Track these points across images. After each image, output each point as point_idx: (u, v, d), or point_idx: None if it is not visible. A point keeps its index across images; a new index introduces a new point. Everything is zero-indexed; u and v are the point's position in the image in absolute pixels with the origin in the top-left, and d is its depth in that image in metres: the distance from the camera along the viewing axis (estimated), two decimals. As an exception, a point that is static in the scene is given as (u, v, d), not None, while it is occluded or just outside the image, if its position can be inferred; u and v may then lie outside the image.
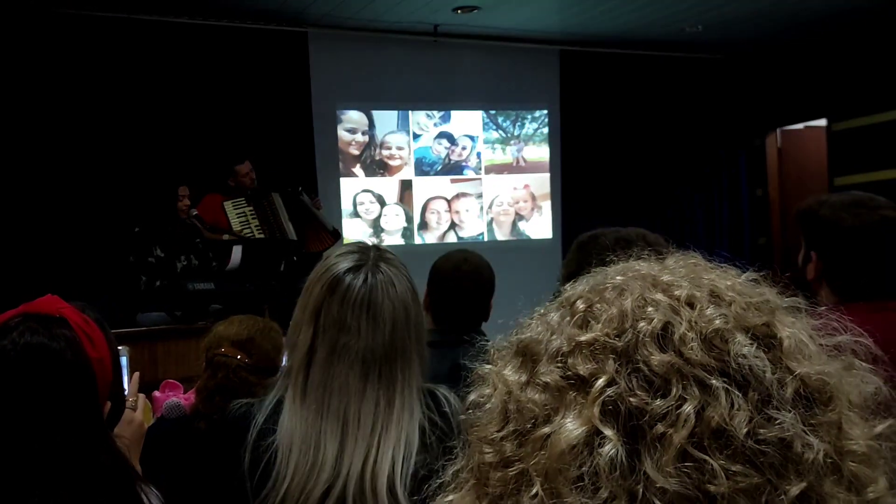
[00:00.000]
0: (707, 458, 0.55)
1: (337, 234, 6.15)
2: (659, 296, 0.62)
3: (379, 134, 7.42)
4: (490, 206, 7.79)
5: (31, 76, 5.92)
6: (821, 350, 0.63)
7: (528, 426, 0.60)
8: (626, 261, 0.71)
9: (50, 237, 5.88)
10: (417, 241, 7.51)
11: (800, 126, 8.41)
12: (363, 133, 7.38)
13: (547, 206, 7.96)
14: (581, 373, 0.60)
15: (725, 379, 0.57)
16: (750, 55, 8.15)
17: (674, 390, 0.57)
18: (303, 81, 6.90)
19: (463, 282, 2.55)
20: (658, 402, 0.57)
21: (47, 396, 1.28)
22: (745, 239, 8.42)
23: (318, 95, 6.98)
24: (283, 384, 1.56)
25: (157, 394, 2.66)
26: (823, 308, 0.68)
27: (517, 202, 7.89)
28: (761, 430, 0.56)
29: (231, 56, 6.55)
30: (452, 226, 7.65)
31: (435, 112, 7.58)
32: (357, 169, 7.36)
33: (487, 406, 0.65)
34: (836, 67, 7.58)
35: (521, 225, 7.92)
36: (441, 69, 7.43)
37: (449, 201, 7.64)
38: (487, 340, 0.72)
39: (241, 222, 5.75)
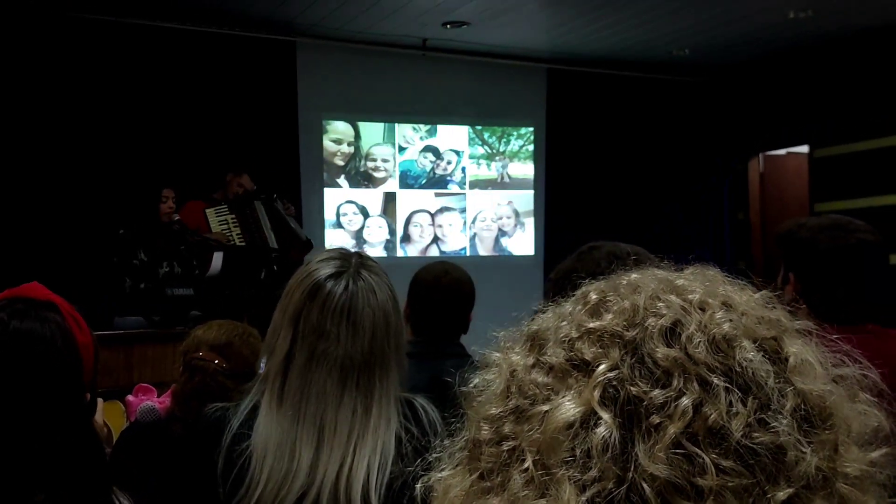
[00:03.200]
0: (700, 451, 0.56)
1: (309, 246, 6.10)
2: (672, 297, 0.64)
3: (364, 145, 7.42)
4: (473, 222, 7.81)
5: (18, 78, 5.89)
6: (827, 375, 0.63)
7: (528, 404, 0.61)
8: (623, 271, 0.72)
9: (35, 238, 5.84)
10: (400, 253, 7.51)
11: (782, 152, 8.49)
12: (349, 144, 7.38)
13: (530, 222, 7.99)
14: (586, 356, 0.61)
15: (727, 380, 0.58)
16: (734, 80, 8.23)
17: (674, 383, 0.58)
18: (290, 91, 6.90)
19: (443, 293, 2.55)
20: (657, 391, 0.58)
21: (36, 382, 1.26)
22: (726, 262, 8.47)
23: (304, 105, 6.98)
24: (260, 389, 1.55)
25: (130, 397, 2.63)
26: (836, 336, 0.68)
27: (500, 218, 7.91)
28: (756, 434, 0.56)
29: (219, 63, 6.55)
30: (435, 239, 7.65)
31: (421, 125, 7.60)
32: (341, 180, 7.36)
33: (490, 388, 0.66)
34: (820, 95, 7.66)
35: (504, 241, 7.93)
36: (428, 83, 7.45)
37: (432, 215, 7.65)
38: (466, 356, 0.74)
39: (222, 229, 5.72)
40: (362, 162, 7.42)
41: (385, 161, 7.50)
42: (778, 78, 7.92)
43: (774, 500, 0.55)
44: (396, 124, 7.51)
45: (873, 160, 7.21)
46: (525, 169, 8.00)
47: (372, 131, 7.46)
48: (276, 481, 1.45)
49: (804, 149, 8.02)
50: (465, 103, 7.64)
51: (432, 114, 7.57)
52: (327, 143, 7.30)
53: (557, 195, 7.95)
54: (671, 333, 0.61)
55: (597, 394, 0.58)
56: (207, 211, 5.76)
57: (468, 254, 7.71)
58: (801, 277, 2.04)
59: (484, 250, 7.84)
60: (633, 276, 0.68)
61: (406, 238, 7.56)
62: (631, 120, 8.12)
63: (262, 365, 1.58)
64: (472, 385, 0.69)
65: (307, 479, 1.45)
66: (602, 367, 0.60)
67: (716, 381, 0.58)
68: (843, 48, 7.14)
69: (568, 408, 0.59)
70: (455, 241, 7.73)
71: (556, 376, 0.61)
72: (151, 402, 2.43)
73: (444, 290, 2.56)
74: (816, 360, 0.63)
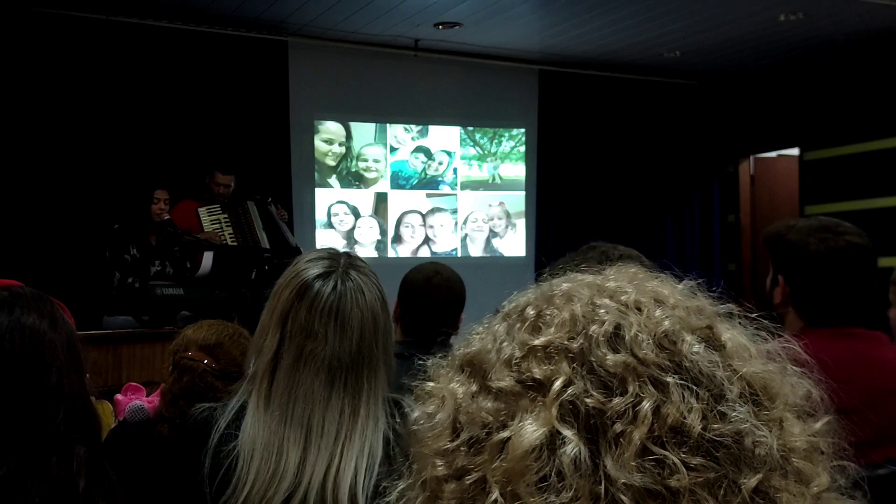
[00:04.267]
0: (667, 453, 0.56)
1: (298, 253, 6.07)
2: (607, 301, 0.63)
3: (356, 146, 7.42)
4: (464, 222, 7.81)
5: (11, 76, 5.86)
6: (760, 353, 0.65)
7: (484, 434, 0.60)
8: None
9: (26, 238, 5.82)
10: (391, 254, 7.51)
11: (773, 154, 8.52)
12: (340, 144, 7.38)
13: (521, 223, 7.99)
14: (537, 376, 0.60)
15: (679, 377, 0.58)
16: (725, 82, 8.26)
17: (630, 389, 0.58)
18: (281, 90, 6.88)
19: (434, 294, 2.55)
20: (616, 400, 0.57)
21: (58, 347, 1.26)
22: (716, 264, 8.50)
23: (296, 105, 6.97)
24: (247, 389, 1.54)
25: (119, 397, 2.62)
26: (756, 314, 0.69)
27: (491, 219, 7.92)
28: (716, 426, 0.57)
29: (210, 62, 6.53)
30: (426, 240, 7.65)
31: (413, 126, 7.60)
32: (333, 180, 7.35)
33: (435, 421, 0.64)
34: (810, 98, 7.70)
35: (495, 242, 7.94)
36: (420, 84, 7.45)
37: (423, 216, 7.65)
38: (425, 359, 0.71)
39: (214, 229, 5.71)
40: (354, 162, 7.42)
41: (376, 161, 7.49)
42: (769, 80, 7.95)
43: (746, 487, 0.56)
44: (388, 125, 7.51)
45: (863, 163, 7.24)
46: (516, 170, 8.00)
47: (363, 132, 7.46)
48: (263, 482, 1.45)
49: (794, 151, 8.05)
50: (457, 104, 7.65)
51: (424, 114, 7.57)
52: (319, 144, 7.29)
53: (549, 196, 7.96)
54: (616, 338, 0.60)
55: (556, 412, 0.57)
56: (200, 210, 5.73)
57: (459, 255, 7.71)
58: (790, 280, 2.05)
59: (475, 251, 7.84)
60: (564, 285, 0.67)
61: (397, 238, 7.55)
62: (622, 122, 8.14)
63: (252, 364, 1.58)
64: (413, 420, 0.67)
65: (294, 480, 1.45)
66: (556, 384, 0.58)
67: (669, 379, 0.58)
68: (833, 51, 7.17)
69: (530, 431, 0.57)
70: (446, 242, 7.73)
71: (508, 400, 0.60)
72: (140, 401, 2.43)
73: (435, 290, 2.56)
74: (747, 340, 0.65)
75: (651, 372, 0.58)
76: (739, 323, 0.67)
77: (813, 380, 0.67)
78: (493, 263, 7.75)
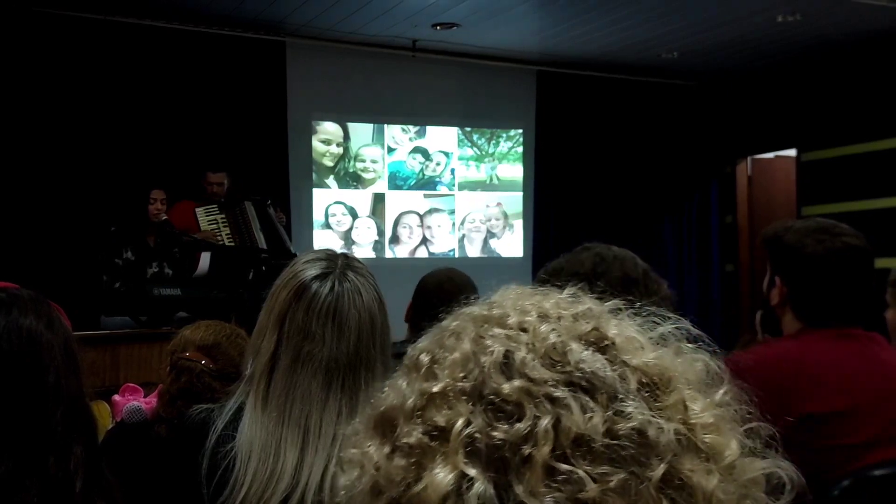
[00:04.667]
0: (572, 467, 0.56)
1: (293, 256, 6.06)
2: (495, 329, 0.64)
3: (353, 146, 7.42)
4: (462, 223, 7.81)
5: (9, 75, 5.85)
6: (650, 342, 0.66)
7: (402, 490, 0.60)
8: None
9: (21, 238, 5.82)
10: (388, 254, 7.51)
11: (770, 155, 8.53)
12: (338, 145, 7.38)
13: (519, 224, 8.00)
14: (440, 423, 0.60)
15: (571, 388, 0.59)
16: (723, 83, 8.26)
17: (528, 412, 0.58)
18: (279, 91, 6.88)
19: (445, 300, 2.56)
20: (517, 426, 0.58)
21: (55, 347, 1.26)
22: (714, 265, 8.51)
23: (293, 105, 6.97)
24: (245, 390, 1.54)
25: (116, 397, 2.62)
26: (640, 304, 0.71)
27: (489, 220, 7.92)
28: (617, 427, 0.58)
29: (208, 62, 6.53)
30: (424, 241, 7.65)
31: (410, 127, 7.60)
32: (330, 180, 7.35)
33: (358, 489, 0.63)
34: (808, 99, 7.71)
35: (493, 243, 7.94)
36: (418, 84, 7.45)
37: (421, 216, 7.65)
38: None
39: (211, 229, 5.71)
40: (351, 163, 7.42)
41: (374, 162, 7.49)
42: (766, 81, 7.96)
43: (653, 479, 0.57)
44: (386, 125, 7.51)
45: (860, 164, 7.25)
46: (514, 171, 8.01)
47: (361, 132, 7.46)
48: (261, 482, 1.44)
49: (792, 152, 8.06)
50: (455, 105, 7.65)
51: (422, 115, 7.57)
52: (316, 144, 7.29)
53: (546, 197, 7.96)
54: (507, 366, 0.61)
55: (460, 455, 0.58)
56: (197, 210, 5.74)
57: (457, 255, 7.71)
58: (788, 281, 2.05)
59: (473, 252, 7.84)
60: (452, 323, 0.68)
61: (395, 239, 7.55)
62: (620, 122, 8.14)
63: (250, 366, 1.58)
64: (339, 493, 0.66)
65: (291, 482, 1.45)
66: (457, 426, 0.59)
67: (561, 393, 0.59)
68: (831, 52, 7.18)
69: (440, 479, 0.57)
70: (444, 243, 7.73)
71: (419, 454, 0.60)
72: (138, 402, 2.43)
73: (446, 296, 2.58)
74: (636, 332, 0.66)
75: (544, 390, 0.59)
76: (628, 316, 0.69)
77: (708, 351, 0.69)
78: (491, 264, 7.76)
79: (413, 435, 0.61)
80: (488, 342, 0.63)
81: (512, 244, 7.98)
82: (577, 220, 7.88)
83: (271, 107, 6.84)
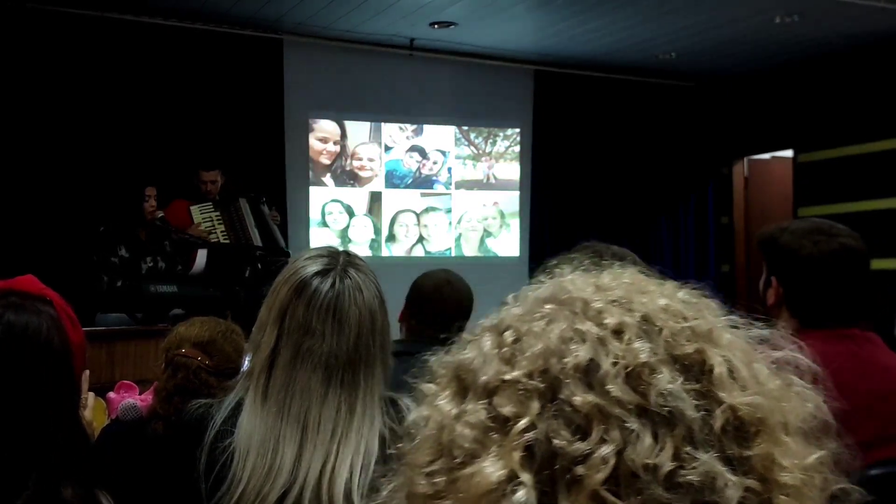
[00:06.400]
0: (619, 502, 0.54)
1: (285, 254, 6.05)
2: (588, 325, 0.61)
3: (350, 144, 7.41)
4: (459, 222, 7.81)
5: (3, 72, 5.83)
6: (757, 373, 0.62)
7: (457, 463, 0.59)
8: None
9: (16, 236, 5.80)
10: (385, 253, 7.50)
11: (766, 156, 8.54)
12: (335, 143, 7.37)
13: (515, 223, 8.00)
14: (504, 413, 0.59)
15: (646, 419, 0.56)
16: (720, 84, 8.27)
17: (594, 432, 0.56)
18: (276, 88, 6.87)
19: (444, 303, 2.55)
20: (578, 444, 0.56)
21: (29, 375, 1.24)
22: (710, 265, 8.52)
23: (290, 103, 6.97)
24: (244, 385, 1.55)
25: (111, 395, 2.62)
26: (761, 323, 0.67)
27: (486, 219, 7.92)
28: (681, 472, 0.55)
29: (204, 60, 6.52)
30: (420, 239, 7.65)
31: (407, 125, 7.60)
32: (327, 178, 7.34)
33: (423, 433, 0.64)
34: (804, 100, 7.72)
35: (489, 242, 7.94)
36: (415, 83, 7.44)
37: (418, 215, 7.65)
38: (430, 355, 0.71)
39: (206, 227, 5.70)
40: (348, 161, 7.41)
41: (371, 160, 7.49)
42: (763, 82, 7.97)
43: None
44: (383, 124, 7.50)
45: (857, 165, 7.26)
46: (511, 170, 8.01)
47: (358, 130, 7.45)
48: (259, 478, 1.45)
49: (789, 153, 8.07)
50: (452, 103, 7.65)
51: (419, 114, 7.57)
52: (313, 142, 7.28)
53: (543, 197, 7.97)
54: (587, 374, 0.58)
55: (516, 455, 0.56)
56: (192, 208, 5.73)
57: (453, 254, 7.71)
58: (784, 282, 2.05)
59: (469, 251, 7.85)
60: (548, 306, 0.64)
61: (391, 238, 7.55)
62: (617, 122, 8.14)
63: (247, 361, 1.58)
64: (408, 422, 0.67)
65: (290, 477, 1.45)
66: (520, 425, 0.57)
67: (634, 423, 0.56)
68: (828, 54, 7.19)
69: (489, 472, 0.56)
70: (440, 242, 7.73)
71: (479, 433, 0.59)
72: (133, 399, 2.42)
73: (446, 301, 2.56)
74: (745, 360, 0.62)
75: (618, 412, 0.56)
76: (743, 333, 0.64)
77: (821, 392, 0.64)
78: (488, 263, 7.75)
79: (478, 415, 0.60)
80: (574, 345, 0.60)
81: (508, 243, 7.98)
82: (573, 219, 7.89)
83: (268, 104, 6.83)
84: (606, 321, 0.61)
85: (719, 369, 0.59)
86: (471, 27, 6.68)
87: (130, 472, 2.06)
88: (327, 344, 1.50)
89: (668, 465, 0.55)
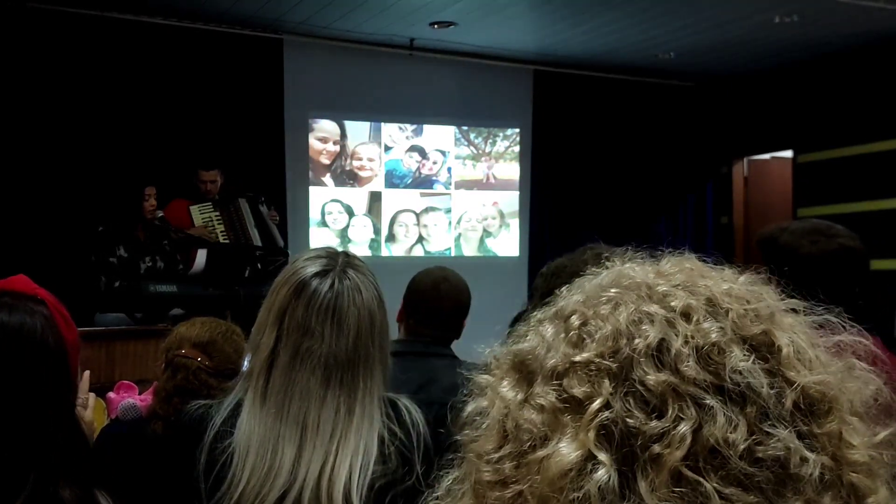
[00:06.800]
0: (702, 479, 0.54)
1: (284, 253, 6.05)
2: (654, 308, 0.61)
3: (350, 144, 7.41)
4: (458, 222, 7.81)
5: (4, 71, 5.83)
6: (820, 354, 0.62)
7: (526, 447, 0.59)
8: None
9: (15, 235, 5.80)
10: (385, 253, 7.50)
11: (766, 156, 8.54)
12: (334, 143, 7.37)
13: (515, 223, 8.00)
14: (576, 395, 0.58)
15: (721, 397, 0.56)
16: (720, 84, 8.28)
17: (670, 410, 0.56)
18: (276, 88, 6.88)
19: (441, 301, 2.54)
20: (654, 423, 0.56)
21: (24, 375, 1.24)
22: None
23: (290, 103, 6.97)
24: (244, 386, 1.55)
25: (111, 395, 2.61)
26: (822, 307, 0.67)
27: (485, 219, 7.92)
28: (759, 448, 0.55)
29: (205, 59, 6.52)
30: (420, 239, 7.65)
31: (407, 125, 7.60)
32: (327, 178, 7.34)
33: (486, 422, 0.63)
34: (804, 100, 7.72)
35: (489, 242, 7.94)
36: (415, 83, 7.44)
37: (417, 215, 7.65)
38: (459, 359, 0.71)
39: (206, 227, 5.70)
40: (348, 161, 7.41)
41: (371, 160, 7.49)
42: (763, 82, 7.97)
43: None
44: (382, 123, 7.51)
45: (856, 166, 7.26)
46: (511, 170, 8.01)
47: (358, 130, 7.45)
48: (258, 479, 1.45)
49: (788, 153, 8.07)
50: (452, 103, 7.65)
51: (418, 113, 7.57)
52: (313, 142, 7.28)
53: (543, 197, 7.97)
54: (659, 353, 0.58)
55: (592, 435, 0.56)
56: (192, 208, 5.73)
57: (453, 254, 7.71)
58: (782, 282, 2.05)
59: (469, 251, 7.85)
60: (612, 290, 0.64)
61: (391, 238, 7.55)
62: (617, 122, 8.15)
63: (247, 362, 1.58)
64: (465, 413, 0.66)
65: (289, 478, 1.45)
66: (594, 405, 0.57)
67: (710, 401, 0.56)
68: (828, 54, 7.19)
69: (564, 453, 0.56)
70: (440, 242, 7.73)
71: (550, 416, 0.59)
72: (133, 399, 2.42)
73: (444, 298, 2.55)
74: (808, 341, 0.62)
75: (692, 391, 0.56)
76: (805, 318, 0.65)
77: (883, 378, 0.64)
78: (487, 263, 7.76)
79: (547, 397, 0.59)
80: (644, 325, 0.60)
81: (508, 243, 7.99)
82: (573, 219, 7.89)
83: (268, 104, 6.83)
84: (673, 303, 0.61)
85: (787, 349, 0.60)
86: (471, 27, 6.68)
87: (130, 472, 2.06)
88: (326, 344, 1.50)
89: (745, 442, 0.55)
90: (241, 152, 6.54)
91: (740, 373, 0.57)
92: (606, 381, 0.58)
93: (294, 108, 7.01)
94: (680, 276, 0.65)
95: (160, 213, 5.40)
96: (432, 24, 6.64)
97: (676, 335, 0.59)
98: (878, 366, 0.65)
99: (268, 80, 6.82)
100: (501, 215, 7.98)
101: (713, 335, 0.59)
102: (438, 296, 2.53)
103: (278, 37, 6.84)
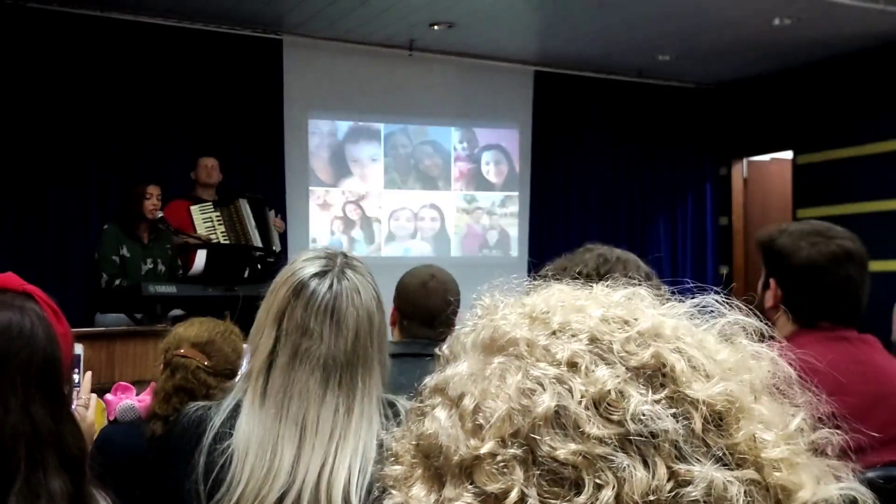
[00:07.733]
0: None
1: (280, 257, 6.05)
2: (541, 368, 0.58)
3: (350, 144, 7.41)
4: (457, 222, 7.81)
5: (4, 71, 5.84)
6: (711, 353, 0.60)
7: None
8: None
9: (14, 235, 5.81)
10: (384, 253, 7.51)
11: (766, 157, 8.55)
12: (334, 143, 7.37)
13: (514, 224, 8.00)
14: (492, 490, 0.55)
15: (632, 448, 0.54)
16: (720, 86, 8.29)
17: (587, 481, 0.53)
18: (275, 88, 6.88)
19: (430, 298, 2.54)
20: (577, 499, 0.53)
21: (14, 375, 1.24)
22: (708, 267, 8.52)
23: (290, 103, 6.97)
24: (243, 387, 1.55)
25: (108, 396, 2.61)
26: (695, 294, 0.66)
27: (485, 218, 7.92)
28: (682, 491, 0.53)
29: (205, 59, 6.53)
30: (419, 239, 7.65)
31: (407, 126, 7.60)
32: (326, 178, 7.34)
33: None
34: (803, 101, 7.73)
35: (488, 242, 7.94)
36: (415, 83, 7.45)
37: (417, 214, 7.65)
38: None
39: (206, 228, 5.70)
40: (347, 161, 7.41)
41: (371, 160, 7.49)
42: (762, 84, 7.97)
43: None
44: (382, 124, 7.51)
45: (856, 167, 7.27)
46: (511, 170, 8.01)
47: (358, 131, 7.45)
48: (258, 480, 1.45)
49: (787, 155, 8.08)
50: (452, 104, 7.65)
51: (418, 114, 7.57)
52: (312, 142, 7.28)
53: (542, 197, 7.97)
54: (559, 422, 0.55)
55: None
56: (192, 208, 5.73)
57: (452, 254, 7.71)
58: (782, 283, 2.05)
59: (468, 251, 7.85)
60: (495, 360, 0.60)
61: (390, 237, 7.55)
62: (616, 123, 8.16)
63: (246, 363, 1.58)
64: None
65: (288, 479, 1.45)
66: (511, 497, 0.54)
67: (621, 458, 0.53)
68: (826, 55, 7.20)
69: None
70: (439, 241, 7.73)
71: None
72: (130, 400, 2.42)
73: (432, 294, 2.55)
74: (697, 343, 0.60)
75: (602, 451, 0.54)
76: (680, 308, 0.63)
77: (784, 357, 0.63)
78: (486, 263, 7.75)
79: (464, 499, 0.56)
80: (537, 393, 0.56)
81: (507, 243, 7.99)
82: (572, 220, 7.90)
83: (267, 104, 6.83)
84: (558, 356, 0.58)
85: (679, 365, 0.57)
86: (470, 28, 6.69)
87: (129, 473, 2.06)
88: (325, 345, 1.50)
89: (667, 488, 0.53)
90: (241, 152, 6.54)
91: (642, 419, 0.55)
92: (518, 469, 0.55)
93: (293, 108, 7.01)
94: (556, 317, 0.61)
95: (160, 214, 5.40)
96: (432, 25, 6.64)
97: (571, 393, 0.56)
98: (765, 340, 0.64)
99: (267, 80, 6.82)
100: (501, 215, 7.98)
101: (607, 383, 0.56)
102: (427, 293, 2.54)
103: (278, 37, 6.85)
